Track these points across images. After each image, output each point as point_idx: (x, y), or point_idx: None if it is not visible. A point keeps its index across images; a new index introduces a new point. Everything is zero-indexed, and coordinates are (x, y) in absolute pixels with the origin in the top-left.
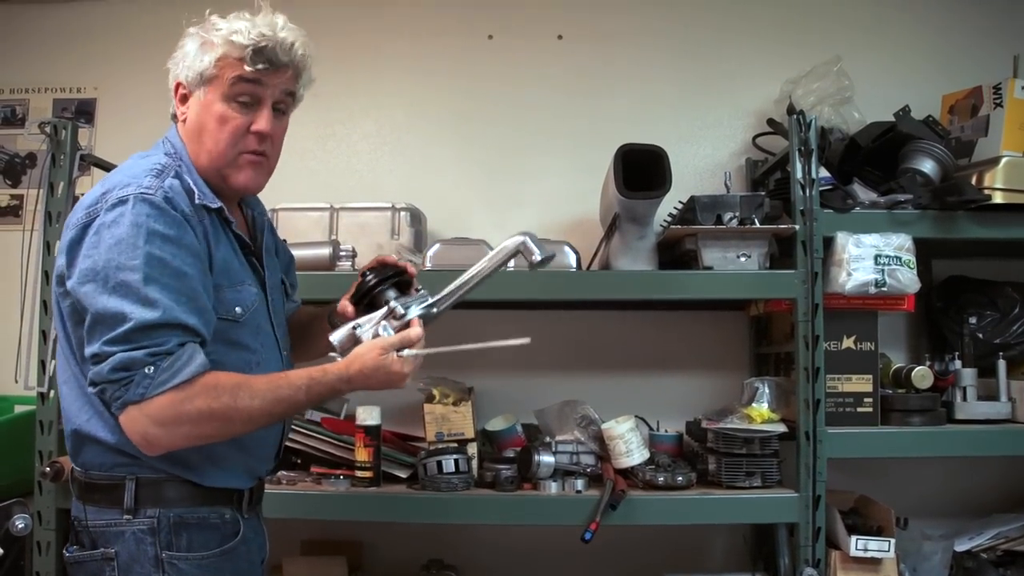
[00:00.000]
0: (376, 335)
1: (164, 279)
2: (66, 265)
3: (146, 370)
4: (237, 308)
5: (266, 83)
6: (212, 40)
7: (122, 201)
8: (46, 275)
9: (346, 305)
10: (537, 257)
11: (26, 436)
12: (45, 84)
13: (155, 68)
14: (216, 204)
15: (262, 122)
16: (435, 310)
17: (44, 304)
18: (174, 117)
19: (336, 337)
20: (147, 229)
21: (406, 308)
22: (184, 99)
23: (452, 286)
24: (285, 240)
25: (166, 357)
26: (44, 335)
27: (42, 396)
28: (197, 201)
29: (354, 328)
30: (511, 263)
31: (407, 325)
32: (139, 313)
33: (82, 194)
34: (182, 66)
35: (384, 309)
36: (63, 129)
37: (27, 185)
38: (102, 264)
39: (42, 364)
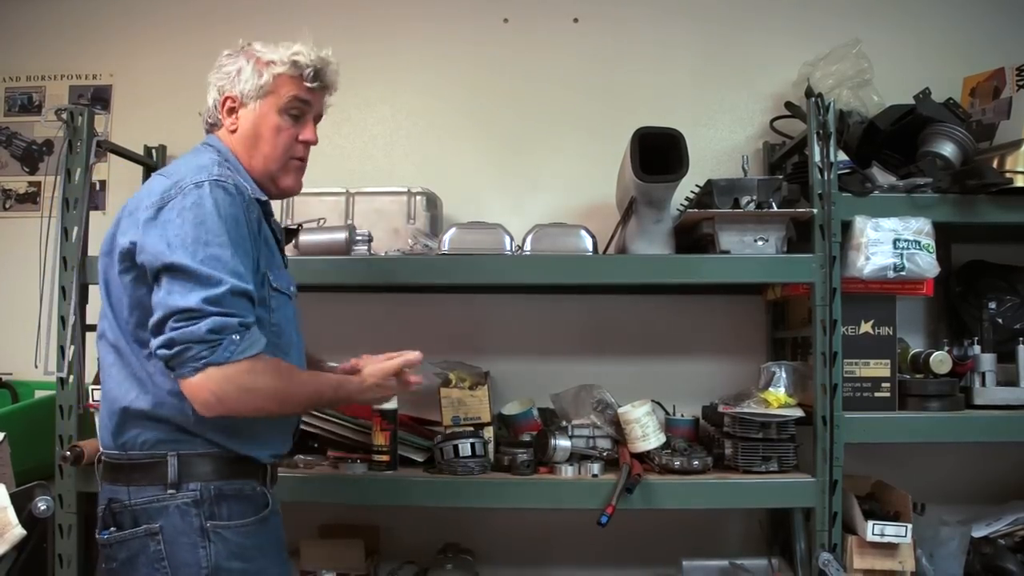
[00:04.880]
0: None
1: (240, 255)
2: (141, 240)
3: (234, 336)
4: (292, 287)
5: (313, 101)
6: (272, 59)
7: (198, 185)
8: (64, 261)
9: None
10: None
11: (46, 421)
12: (61, 71)
13: (170, 54)
14: (264, 197)
15: (310, 133)
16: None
17: (63, 290)
18: (212, 126)
19: None
20: (224, 210)
21: None
22: (231, 111)
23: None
24: None
25: (250, 328)
26: (63, 321)
27: (61, 381)
28: (249, 195)
29: None
30: (527, 247)
31: None
32: (232, 281)
33: (100, 180)
34: (236, 82)
35: None
36: (79, 116)
37: (44, 172)
38: (191, 237)
39: (61, 349)
